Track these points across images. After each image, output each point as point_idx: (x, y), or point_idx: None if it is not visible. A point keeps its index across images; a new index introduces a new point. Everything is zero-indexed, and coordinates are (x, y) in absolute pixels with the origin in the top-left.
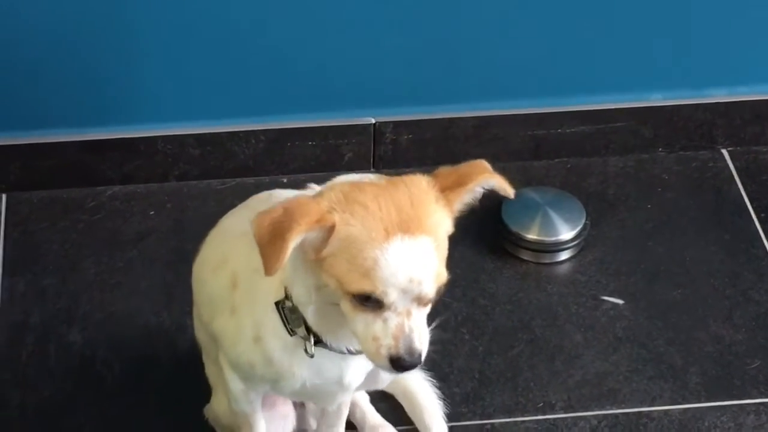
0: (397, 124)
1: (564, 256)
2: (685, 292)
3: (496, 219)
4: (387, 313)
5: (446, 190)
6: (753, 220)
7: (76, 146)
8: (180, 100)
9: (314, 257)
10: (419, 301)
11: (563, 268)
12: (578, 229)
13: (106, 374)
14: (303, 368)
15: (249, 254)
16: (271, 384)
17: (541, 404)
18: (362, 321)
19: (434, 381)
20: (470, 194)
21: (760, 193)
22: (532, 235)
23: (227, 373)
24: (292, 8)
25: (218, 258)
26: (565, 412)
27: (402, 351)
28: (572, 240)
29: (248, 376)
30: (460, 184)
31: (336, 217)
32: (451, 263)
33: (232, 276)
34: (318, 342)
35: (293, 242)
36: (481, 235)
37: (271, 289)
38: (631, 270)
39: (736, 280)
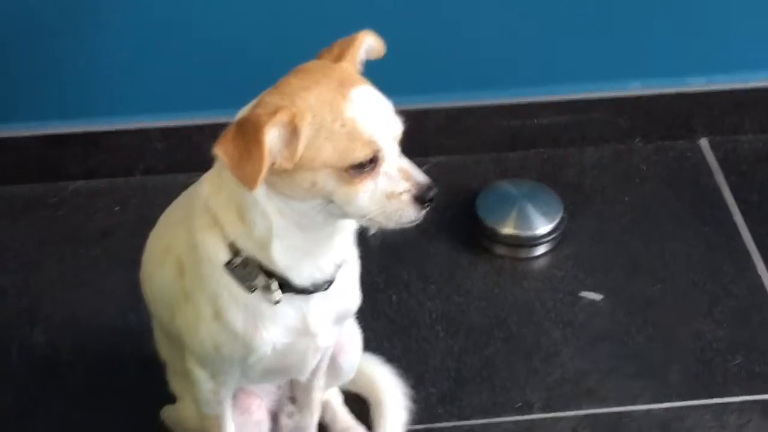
0: None
1: (541, 250)
2: (665, 287)
3: (471, 213)
4: (384, 166)
5: (337, 60)
6: (733, 211)
7: (36, 141)
8: (144, 93)
9: (290, 164)
10: (396, 139)
11: (540, 263)
12: (555, 222)
13: (70, 377)
14: (269, 328)
15: (187, 235)
16: (241, 364)
17: (520, 404)
18: (367, 191)
19: (409, 381)
20: (359, 54)
21: (740, 184)
22: (508, 230)
23: (196, 374)
24: (260, 4)
25: (161, 250)
26: (544, 412)
27: (420, 186)
28: (549, 234)
29: (217, 367)
30: (346, 48)
31: (292, 108)
32: (425, 259)
33: (178, 262)
34: (280, 287)
35: (268, 139)
36: (455, 230)
37: (215, 255)
38: (610, 264)
39: (716, 274)
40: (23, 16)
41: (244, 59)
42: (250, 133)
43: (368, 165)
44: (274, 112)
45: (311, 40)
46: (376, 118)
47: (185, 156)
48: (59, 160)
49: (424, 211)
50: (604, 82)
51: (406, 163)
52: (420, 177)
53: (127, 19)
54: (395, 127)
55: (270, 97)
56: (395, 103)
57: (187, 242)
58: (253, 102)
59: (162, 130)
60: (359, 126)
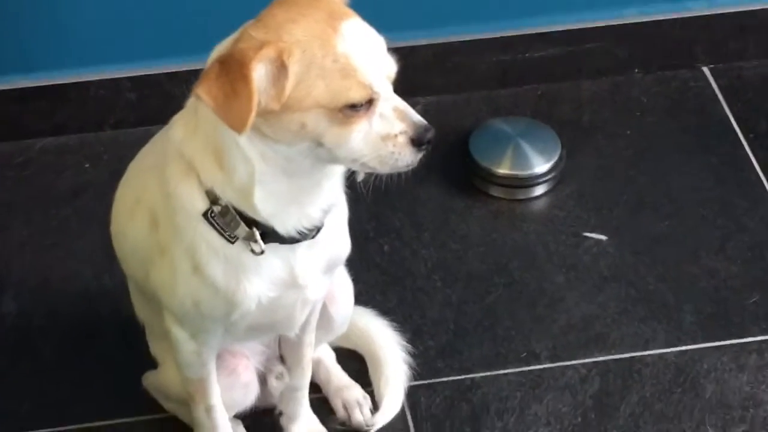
0: None
1: (539, 190)
2: (673, 224)
3: (464, 153)
4: (378, 106)
5: None
6: (741, 142)
7: None
8: (112, 39)
9: (278, 105)
10: (389, 78)
11: (539, 204)
12: (553, 160)
13: (44, 346)
14: (253, 281)
15: (159, 183)
16: (224, 322)
17: (524, 354)
18: (360, 133)
19: (405, 335)
20: None
21: (746, 112)
22: (503, 170)
23: (176, 335)
24: None
25: (131, 202)
26: (551, 362)
27: (417, 127)
28: (547, 173)
29: (198, 325)
30: None
31: (279, 43)
32: (417, 204)
33: (150, 214)
34: (263, 236)
35: (256, 75)
36: (448, 172)
37: (191, 204)
38: (613, 202)
39: (727, 207)
40: None
41: (216, 3)
42: (235, 70)
43: (363, 105)
44: (260, 47)
45: None
46: (370, 55)
47: (159, 106)
48: (24, 117)
49: (420, 154)
50: (599, 10)
51: (401, 103)
52: (416, 117)
53: None
54: (389, 64)
55: (253, 31)
56: None
57: (160, 191)
58: (233, 36)
59: (132, 79)
60: (353, 62)
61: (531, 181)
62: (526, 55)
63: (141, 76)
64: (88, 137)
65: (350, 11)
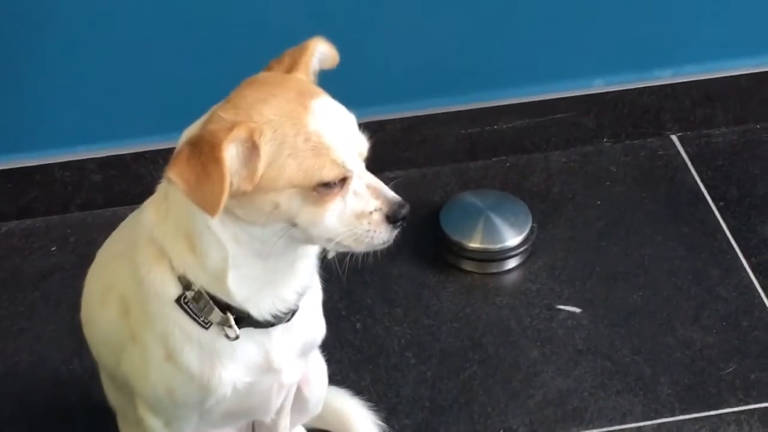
0: None
1: (512, 264)
2: (647, 295)
3: (435, 228)
4: (351, 184)
5: (289, 71)
6: (712, 209)
7: None
8: (76, 121)
9: (250, 186)
10: (361, 156)
11: (512, 278)
12: (525, 233)
13: None
14: (228, 366)
15: (130, 270)
16: (199, 408)
17: (502, 431)
18: (335, 211)
19: (381, 413)
20: (311, 63)
21: (716, 179)
22: (475, 244)
23: (149, 423)
24: (197, 18)
25: (102, 289)
26: None
27: (392, 204)
28: (519, 246)
29: (172, 413)
30: (297, 57)
31: (250, 123)
32: (389, 281)
33: (121, 300)
34: (238, 321)
35: (227, 156)
36: (419, 247)
37: (163, 290)
38: (586, 274)
39: (700, 277)
40: None
41: (183, 79)
42: (206, 152)
43: (336, 184)
44: (231, 128)
45: (256, 55)
46: (341, 133)
47: (125, 187)
48: None
49: (396, 231)
50: (566, 80)
51: (374, 180)
52: (391, 194)
53: (55, 44)
54: (361, 142)
55: (223, 112)
56: None
57: (131, 277)
58: (203, 118)
59: (98, 160)
60: (325, 140)
61: (503, 255)
62: (495, 126)
63: (106, 157)
64: (54, 220)
65: (319, 89)
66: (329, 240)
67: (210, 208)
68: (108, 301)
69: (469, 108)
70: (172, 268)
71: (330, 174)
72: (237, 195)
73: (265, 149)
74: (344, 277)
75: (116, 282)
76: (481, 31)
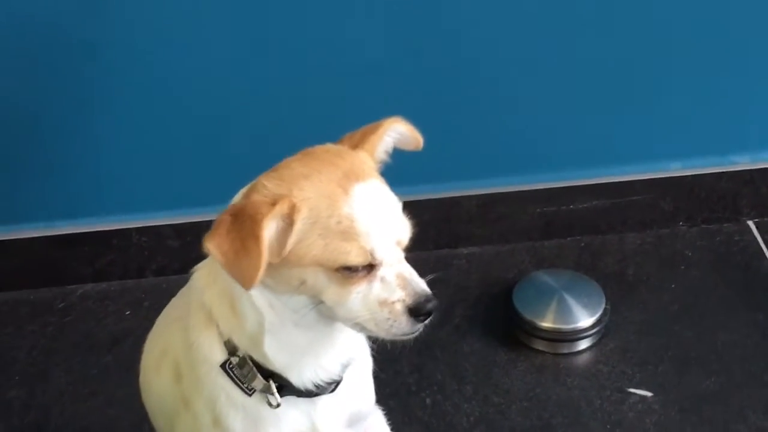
0: None
1: (583, 345)
2: (719, 381)
3: (507, 306)
4: (380, 270)
5: (356, 146)
6: None
7: (42, 242)
8: (155, 188)
9: (277, 259)
10: (399, 244)
11: (583, 359)
12: (598, 314)
13: None
14: None
15: (183, 336)
16: None
17: None
18: (358, 295)
19: None
20: (382, 142)
21: None
22: (547, 323)
23: None
24: (273, 91)
25: (157, 355)
26: None
27: (417, 297)
28: (592, 327)
29: None
30: (368, 134)
31: (290, 198)
32: (459, 357)
33: (175, 366)
34: (281, 389)
35: (267, 233)
36: (491, 324)
37: (210, 355)
38: (658, 358)
39: None
40: (27, 114)
41: (261, 149)
42: (246, 227)
43: (362, 269)
44: (273, 203)
45: (336, 130)
46: (377, 219)
47: (201, 254)
48: (66, 263)
49: (420, 325)
50: (644, 162)
51: (406, 270)
52: (418, 287)
53: (137, 113)
54: (400, 230)
55: (267, 181)
56: (423, 192)
57: (184, 342)
58: (249, 185)
59: (175, 227)
60: (357, 226)
61: (575, 335)
62: (570, 206)
63: (183, 223)
64: (129, 284)
65: (370, 171)
66: (353, 322)
67: (245, 283)
68: (162, 367)
69: (545, 187)
70: (220, 333)
71: (355, 260)
72: (271, 260)
73: (299, 226)
74: (415, 351)
75: (170, 347)
76: (560, 111)
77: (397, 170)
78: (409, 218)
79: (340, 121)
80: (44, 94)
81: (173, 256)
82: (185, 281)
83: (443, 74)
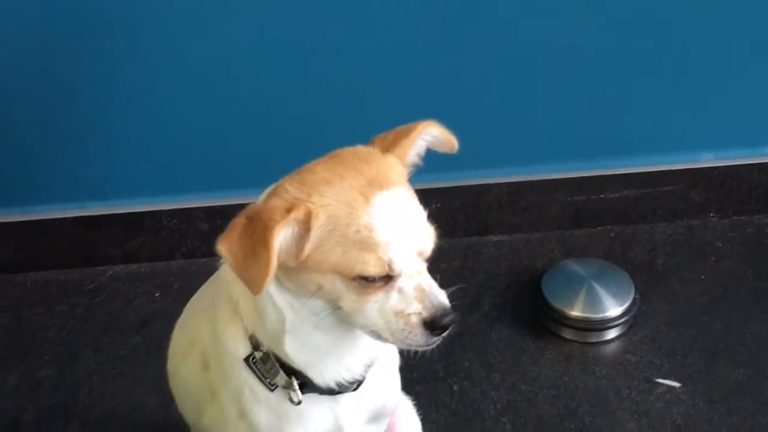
0: (424, 192)
1: (612, 334)
2: (748, 372)
3: (536, 294)
4: (399, 281)
5: (387, 149)
6: None
7: (73, 223)
8: (186, 171)
9: (295, 263)
10: (421, 255)
11: (611, 348)
12: (627, 304)
13: None
14: (296, 430)
15: (211, 328)
16: None
17: None
18: (375, 304)
19: None
20: (414, 146)
21: None
22: (576, 312)
23: None
24: (307, 79)
25: (185, 344)
26: None
27: (433, 310)
28: (620, 316)
29: None
30: (401, 137)
31: (307, 204)
32: (487, 344)
33: (202, 356)
34: (303, 387)
35: (277, 242)
36: (520, 312)
37: (235, 349)
38: (687, 349)
39: None
40: (60, 96)
41: (291, 133)
42: (258, 233)
43: (379, 279)
44: (289, 210)
45: (364, 117)
46: (397, 229)
47: None
48: (97, 244)
49: (436, 338)
50: (675, 153)
51: (426, 282)
52: (436, 300)
53: (170, 98)
54: (423, 240)
55: (289, 184)
56: (453, 179)
57: (211, 334)
58: (273, 187)
59: (205, 209)
60: (375, 236)
61: (604, 325)
62: (600, 196)
63: (214, 206)
64: (159, 266)
65: (396, 178)
66: (370, 330)
67: (253, 288)
68: (190, 356)
69: (576, 176)
70: (244, 327)
71: (372, 270)
72: (284, 268)
73: (316, 232)
74: (443, 339)
75: (198, 337)
76: (592, 101)
77: (427, 157)
78: (434, 227)
79: (374, 108)
80: (78, 76)
81: (203, 238)
82: (215, 264)
83: (479, 62)
